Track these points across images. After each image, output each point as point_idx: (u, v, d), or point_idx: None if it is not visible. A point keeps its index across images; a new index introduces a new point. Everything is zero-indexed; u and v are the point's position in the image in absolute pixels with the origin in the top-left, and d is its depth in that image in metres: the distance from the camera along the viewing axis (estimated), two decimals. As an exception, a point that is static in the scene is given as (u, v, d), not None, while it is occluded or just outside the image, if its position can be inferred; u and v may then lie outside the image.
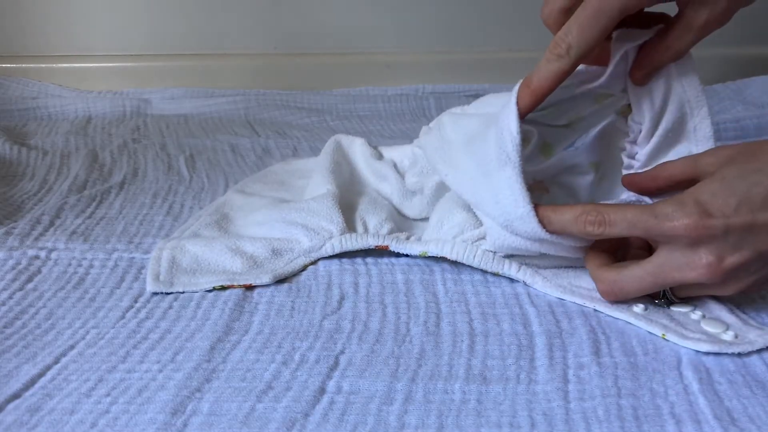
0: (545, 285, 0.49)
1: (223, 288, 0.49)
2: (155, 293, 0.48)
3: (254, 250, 0.53)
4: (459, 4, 1.15)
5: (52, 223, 0.59)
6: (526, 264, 0.51)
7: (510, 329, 0.44)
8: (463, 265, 0.52)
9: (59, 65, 1.10)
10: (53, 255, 0.54)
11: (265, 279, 0.50)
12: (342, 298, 0.48)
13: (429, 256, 0.54)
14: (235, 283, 0.49)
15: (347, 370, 0.40)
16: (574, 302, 0.47)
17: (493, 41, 1.18)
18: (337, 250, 0.53)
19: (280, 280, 0.50)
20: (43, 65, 1.09)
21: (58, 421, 0.35)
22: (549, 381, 0.39)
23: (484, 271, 0.51)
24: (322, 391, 0.38)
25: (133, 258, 0.54)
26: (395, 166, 0.64)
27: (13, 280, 0.50)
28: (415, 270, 0.52)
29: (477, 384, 0.39)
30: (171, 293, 0.49)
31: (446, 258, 0.53)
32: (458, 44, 1.17)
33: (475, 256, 0.51)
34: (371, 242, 0.54)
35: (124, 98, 1.06)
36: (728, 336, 0.42)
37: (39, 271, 0.51)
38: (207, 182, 0.72)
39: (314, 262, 0.53)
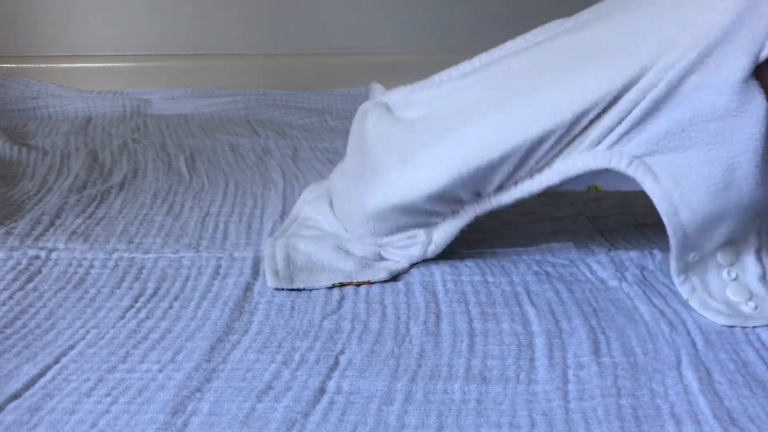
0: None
1: (341, 285, 0.50)
2: (277, 289, 0.49)
3: (364, 253, 0.53)
4: (458, 4, 1.15)
5: (52, 223, 0.59)
6: None
7: (510, 329, 0.44)
8: (462, 265, 0.52)
9: (59, 65, 1.10)
10: (53, 255, 0.54)
11: (383, 275, 0.51)
12: (342, 298, 0.48)
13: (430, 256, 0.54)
14: (353, 280, 0.50)
15: (347, 370, 0.40)
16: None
17: (493, 41, 1.18)
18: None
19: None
20: (43, 65, 1.09)
21: (58, 421, 0.35)
22: (549, 381, 0.39)
23: (483, 272, 0.51)
24: (322, 391, 0.38)
25: (134, 258, 0.54)
26: None
27: (14, 280, 0.50)
28: (415, 271, 0.52)
29: (477, 384, 0.39)
30: (291, 288, 0.49)
31: (446, 258, 0.53)
32: (458, 44, 1.17)
33: None
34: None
35: (124, 98, 1.06)
36: (748, 307, 0.43)
37: (39, 271, 0.51)
38: (207, 182, 0.72)
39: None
